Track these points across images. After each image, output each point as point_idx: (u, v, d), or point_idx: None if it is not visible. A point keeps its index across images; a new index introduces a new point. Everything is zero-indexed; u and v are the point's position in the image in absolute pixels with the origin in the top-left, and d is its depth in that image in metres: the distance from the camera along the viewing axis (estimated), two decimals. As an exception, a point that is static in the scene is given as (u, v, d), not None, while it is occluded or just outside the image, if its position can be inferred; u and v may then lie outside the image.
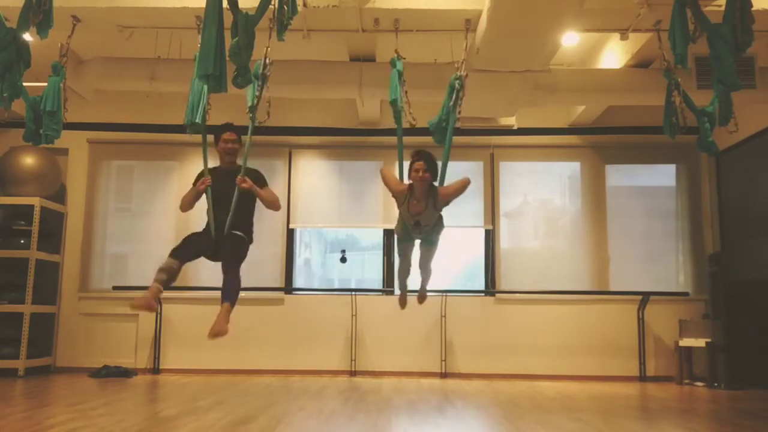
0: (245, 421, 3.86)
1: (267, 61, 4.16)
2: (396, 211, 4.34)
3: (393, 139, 6.85)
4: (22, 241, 6.63)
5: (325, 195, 7.37)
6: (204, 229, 4.24)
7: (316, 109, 7.31)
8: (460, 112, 4.41)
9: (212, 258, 4.23)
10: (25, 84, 4.21)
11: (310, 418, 4.08)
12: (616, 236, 7.21)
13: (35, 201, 6.71)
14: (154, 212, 7.32)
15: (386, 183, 4.27)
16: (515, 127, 7.00)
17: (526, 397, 5.23)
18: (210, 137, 4.32)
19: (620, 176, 7.41)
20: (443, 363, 6.86)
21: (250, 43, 3.75)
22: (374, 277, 7.44)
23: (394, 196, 4.26)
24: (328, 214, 7.36)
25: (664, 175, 7.45)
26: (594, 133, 7.35)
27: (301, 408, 4.45)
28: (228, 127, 4.42)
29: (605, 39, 6.04)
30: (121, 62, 5.74)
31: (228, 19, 3.72)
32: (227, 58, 3.75)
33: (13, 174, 6.79)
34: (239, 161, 4.36)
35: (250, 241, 4.34)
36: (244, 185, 4.14)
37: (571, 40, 5.49)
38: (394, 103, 4.42)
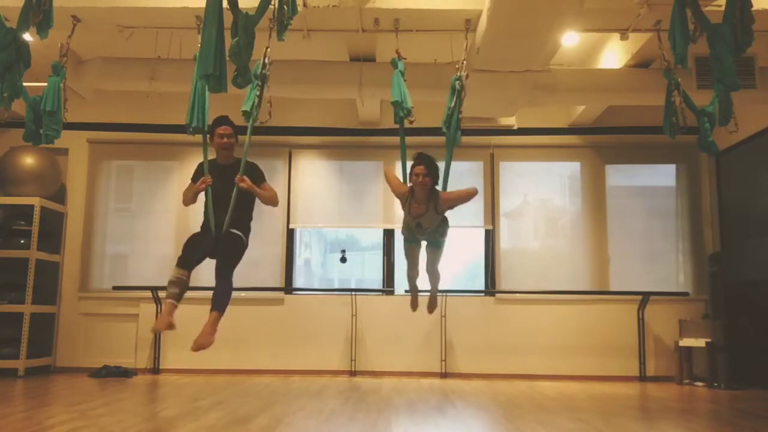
0: (245, 421, 3.86)
1: (267, 61, 4.16)
2: (396, 212, 4.35)
3: (393, 139, 6.88)
4: (22, 241, 6.63)
5: (325, 195, 7.37)
6: (203, 228, 4.19)
7: (316, 109, 7.31)
8: (461, 113, 4.42)
9: (212, 256, 4.19)
10: (25, 84, 4.20)
11: (310, 418, 4.08)
12: (616, 236, 7.21)
13: (35, 201, 6.71)
14: (154, 212, 7.32)
15: (389, 184, 4.35)
16: (515, 127, 7.00)
17: (526, 397, 5.23)
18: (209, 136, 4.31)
19: (620, 176, 7.41)
20: (443, 363, 6.85)
21: (250, 43, 3.74)
22: (374, 277, 7.44)
23: (396, 197, 4.32)
24: (328, 214, 7.36)
25: (664, 175, 7.45)
26: (594, 133, 7.35)
27: (301, 408, 4.45)
28: (222, 120, 4.27)
29: (605, 39, 6.04)
30: (121, 62, 5.74)
31: (228, 19, 3.72)
32: (227, 58, 3.75)
33: (13, 174, 6.79)
34: (236, 155, 4.30)
35: (247, 239, 4.27)
36: (243, 185, 4.09)
37: (571, 40, 5.49)
38: (397, 104, 4.42)
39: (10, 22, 4.05)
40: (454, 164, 4.45)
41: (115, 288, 6.94)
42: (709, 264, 6.90)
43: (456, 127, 4.42)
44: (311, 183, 7.39)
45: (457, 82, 4.49)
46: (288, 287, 7.23)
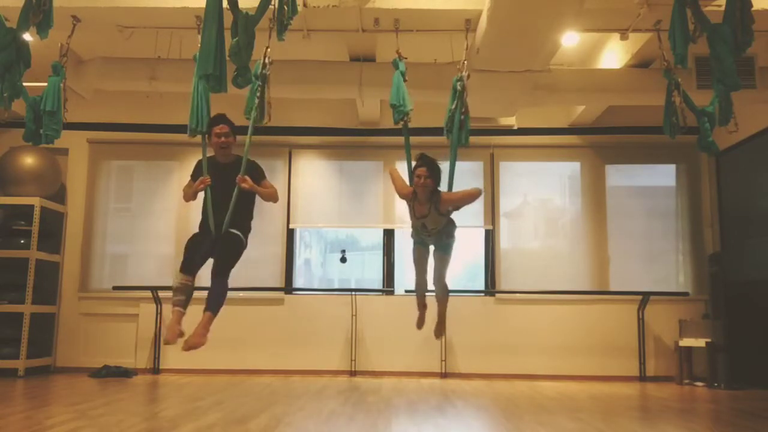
0: (245, 421, 3.86)
1: (267, 61, 4.15)
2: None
3: (393, 139, 6.92)
4: (22, 241, 6.63)
5: (325, 195, 7.37)
6: (202, 228, 4.13)
7: (316, 109, 7.31)
8: (464, 113, 4.42)
9: (212, 255, 4.15)
10: (25, 84, 4.20)
11: (310, 418, 4.08)
12: (616, 236, 7.21)
13: (35, 201, 6.71)
14: (154, 212, 7.32)
15: (393, 184, 4.37)
16: (515, 127, 6.99)
17: (526, 397, 5.23)
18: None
19: (620, 176, 7.41)
20: (443, 363, 6.85)
21: (250, 43, 3.75)
22: (374, 277, 7.44)
23: (400, 197, 4.33)
24: (328, 214, 7.36)
25: (664, 175, 7.45)
26: (594, 133, 7.35)
27: (301, 408, 4.45)
28: (219, 119, 4.15)
29: (605, 39, 6.04)
30: (121, 62, 5.74)
31: (228, 19, 3.72)
32: (227, 58, 3.75)
33: (13, 174, 6.79)
34: (236, 151, 4.25)
35: (247, 239, 4.24)
36: (244, 185, 4.05)
37: (571, 40, 5.48)
38: (394, 107, 4.42)
39: (10, 22, 4.05)
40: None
41: (115, 288, 6.94)
42: (709, 264, 6.90)
43: (459, 128, 4.42)
44: (311, 183, 7.39)
45: (459, 83, 4.49)
46: (288, 287, 7.23)
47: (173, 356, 6.84)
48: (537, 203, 7.40)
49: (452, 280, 7.53)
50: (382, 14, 4.76)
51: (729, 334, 6.43)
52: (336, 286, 7.84)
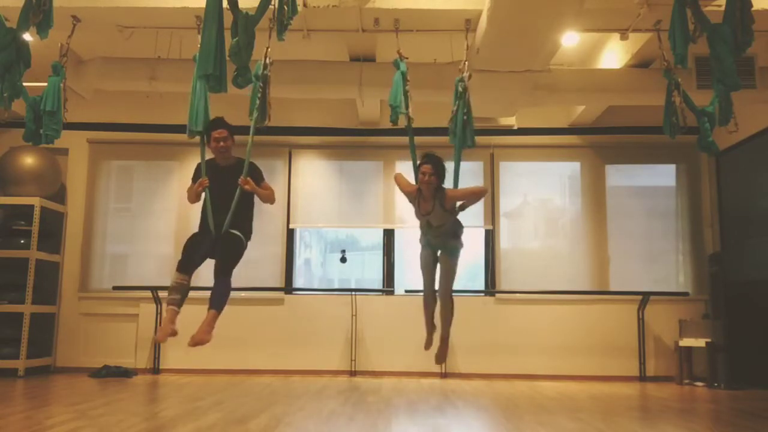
0: (245, 421, 3.86)
1: (267, 61, 4.14)
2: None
3: (393, 139, 6.92)
4: (22, 241, 6.63)
5: (325, 195, 7.37)
6: (201, 228, 4.13)
7: (316, 109, 7.31)
8: (467, 113, 4.43)
9: (212, 256, 4.15)
10: (25, 84, 4.21)
11: (310, 418, 4.08)
12: (616, 236, 7.21)
13: (35, 201, 6.71)
14: (154, 212, 7.32)
15: (398, 185, 4.41)
16: (515, 127, 6.99)
17: (526, 397, 5.23)
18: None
19: (620, 176, 7.41)
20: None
21: (250, 43, 3.75)
22: (374, 277, 7.44)
23: (406, 196, 4.35)
24: (328, 214, 7.36)
25: (664, 175, 7.45)
26: (594, 133, 7.35)
27: (301, 408, 4.45)
28: (217, 123, 4.12)
29: (605, 39, 6.04)
30: (121, 62, 5.74)
31: (228, 19, 3.72)
32: (227, 58, 3.75)
33: (13, 174, 6.79)
34: (235, 154, 4.24)
35: (248, 240, 4.24)
36: (247, 187, 4.05)
37: (571, 40, 5.48)
38: (391, 108, 4.42)
39: (10, 22, 4.05)
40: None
41: (115, 288, 6.94)
42: (709, 264, 6.90)
43: (462, 128, 4.43)
44: (311, 183, 7.39)
45: (461, 84, 4.49)
46: (288, 287, 7.23)
47: (173, 356, 6.85)
48: (537, 203, 7.40)
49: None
50: (382, 14, 4.76)
51: (729, 334, 6.43)
52: (336, 286, 7.84)
